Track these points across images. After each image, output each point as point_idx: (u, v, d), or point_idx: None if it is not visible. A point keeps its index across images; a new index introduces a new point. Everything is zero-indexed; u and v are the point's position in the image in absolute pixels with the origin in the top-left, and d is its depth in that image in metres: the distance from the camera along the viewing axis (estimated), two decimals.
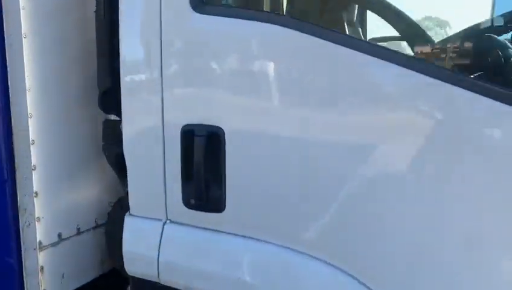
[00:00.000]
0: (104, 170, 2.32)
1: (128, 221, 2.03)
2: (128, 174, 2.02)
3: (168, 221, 1.94)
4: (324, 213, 1.66)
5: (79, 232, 2.29)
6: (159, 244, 1.93)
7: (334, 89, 1.60)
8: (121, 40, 1.94)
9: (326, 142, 1.62)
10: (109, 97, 2.13)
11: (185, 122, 1.83)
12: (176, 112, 1.86)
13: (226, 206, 1.81)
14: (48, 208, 2.14)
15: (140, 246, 2.00)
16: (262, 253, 1.79)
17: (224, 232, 1.85)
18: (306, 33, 1.60)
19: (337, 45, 1.54)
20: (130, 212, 2.04)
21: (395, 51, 1.62)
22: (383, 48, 1.59)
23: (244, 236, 1.81)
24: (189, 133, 1.82)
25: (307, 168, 1.68)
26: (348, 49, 1.52)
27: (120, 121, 2.13)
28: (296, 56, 1.65)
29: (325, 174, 1.64)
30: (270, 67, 1.68)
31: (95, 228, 2.37)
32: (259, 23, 1.67)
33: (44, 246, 2.13)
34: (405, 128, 1.54)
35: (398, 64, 1.50)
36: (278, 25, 1.65)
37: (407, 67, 1.47)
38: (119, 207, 2.25)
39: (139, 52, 1.93)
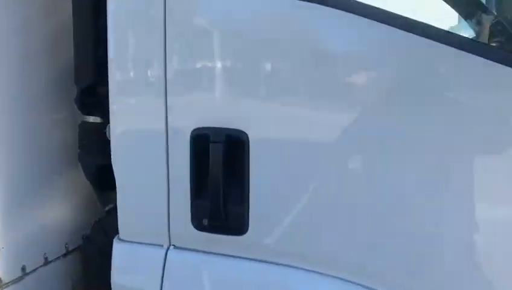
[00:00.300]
0: (77, 184, 1.92)
1: (118, 247, 1.64)
2: (118, 190, 1.63)
3: (171, 247, 1.58)
4: (376, 231, 1.39)
5: (47, 262, 1.86)
6: (162, 276, 1.56)
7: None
8: (109, 23, 1.55)
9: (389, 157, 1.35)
10: (90, 94, 1.74)
11: (196, 126, 1.48)
12: (185, 112, 1.51)
13: (250, 227, 1.48)
14: (9, 236, 1.70)
15: (137, 279, 1.62)
16: (295, 282, 1.48)
17: (246, 258, 1.52)
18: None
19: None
20: (120, 237, 1.65)
21: None
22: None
23: (271, 262, 1.49)
24: (202, 139, 1.47)
25: (354, 182, 1.39)
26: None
27: (102, 124, 1.74)
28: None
29: (378, 190, 1.37)
30: (318, 60, 1.38)
31: (65, 255, 1.94)
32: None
33: (5, 285, 1.69)
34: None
35: None
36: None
37: None
38: (101, 229, 1.85)
39: (135, 38, 1.55)
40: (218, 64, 1.47)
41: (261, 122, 1.44)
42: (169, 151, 1.53)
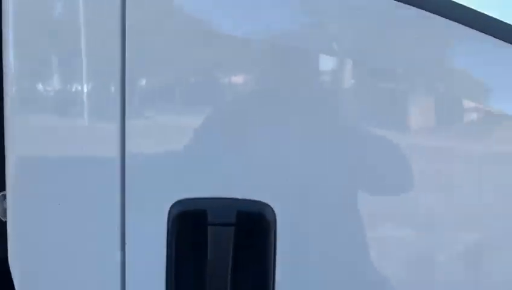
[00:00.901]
0: None
1: None
2: None
3: None
4: None
5: None
6: None
7: None
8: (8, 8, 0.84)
9: None
10: None
11: (181, 195, 0.85)
12: (158, 170, 0.86)
13: None
14: None
15: None
16: None
17: None
18: None
19: None
20: None
21: None
22: None
23: None
24: (191, 218, 0.85)
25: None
26: None
27: None
28: None
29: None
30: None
31: None
32: None
33: None
34: None
35: None
36: None
37: None
38: None
39: (61, 35, 0.85)
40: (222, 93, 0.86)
41: (299, 189, 0.87)
42: (127, 239, 0.87)
